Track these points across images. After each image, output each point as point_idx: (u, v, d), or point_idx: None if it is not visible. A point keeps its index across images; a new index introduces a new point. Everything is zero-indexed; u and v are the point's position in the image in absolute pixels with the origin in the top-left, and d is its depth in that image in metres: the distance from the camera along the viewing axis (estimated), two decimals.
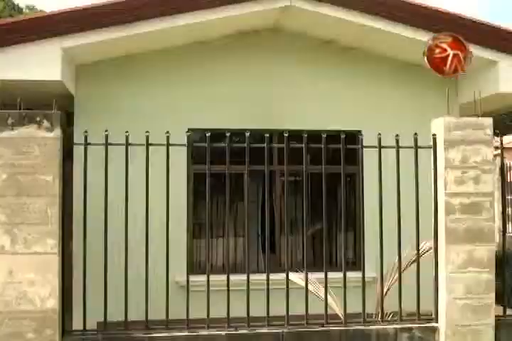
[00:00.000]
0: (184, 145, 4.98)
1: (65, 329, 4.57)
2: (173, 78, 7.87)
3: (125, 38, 6.87)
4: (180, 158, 7.23)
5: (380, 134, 4.94)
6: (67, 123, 4.83)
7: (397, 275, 5.10)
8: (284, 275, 4.93)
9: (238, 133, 6.81)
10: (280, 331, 4.77)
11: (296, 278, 5.40)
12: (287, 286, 4.84)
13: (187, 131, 5.02)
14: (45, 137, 4.44)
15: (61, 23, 6.65)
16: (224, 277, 4.78)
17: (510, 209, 12.22)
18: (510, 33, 7.67)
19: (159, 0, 6.86)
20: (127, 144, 4.67)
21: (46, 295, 4.38)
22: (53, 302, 4.39)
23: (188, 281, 4.83)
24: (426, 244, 5.25)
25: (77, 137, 4.94)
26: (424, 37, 7.37)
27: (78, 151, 4.80)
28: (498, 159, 5.49)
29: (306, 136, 4.87)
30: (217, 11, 7.03)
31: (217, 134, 5.47)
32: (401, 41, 7.62)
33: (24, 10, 30.09)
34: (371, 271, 5.73)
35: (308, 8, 7.22)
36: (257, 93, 7.97)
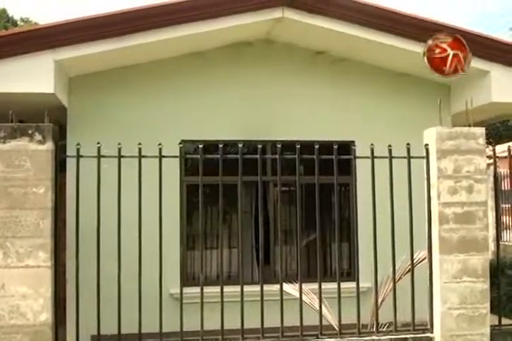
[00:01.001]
0: (176, 156, 4.97)
1: None
2: (167, 90, 7.89)
3: (118, 49, 6.89)
4: (173, 169, 7.24)
5: (372, 145, 4.94)
6: (60, 135, 4.81)
7: (391, 285, 5.08)
8: (278, 286, 4.91)
9: (232, 144, 6.84)
10: None
11: (291, 289, 5.38)
12: (281, 297, 4.82)
13: (179, 143, 5.02)
14: (37, 150, 4.43)
15: (54, 36, 6.66)
16: (218, 289, 4.76)
17: (504, 217, 12.23)
18: (502, 43, 7.74)
19: (152, 12, 6.87)
20: (120, 156, 4.66)
21: (39, 309, 4.35)
22: (46, 316, 4.35)
23: (181, 293, 4.81)
24: (420, 254, 5.24)
25: (70, 149, 4.93)
26: (416, 47, 7.43)
27: (71, 163, 4.79)
28: (492, 168, 5.50)
29: (299, 146, 4.87)
30: (211, 23, 7.06)
31: (212, 145, 5.48)
32: (393, 52, 7.66)
33: (19, 22, 30.13)
34: (366, 282, 5.72)
35: (299, 19, 7.27)
36: (250, 104, 8.00)
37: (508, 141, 18.16)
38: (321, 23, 7.29)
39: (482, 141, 5.00)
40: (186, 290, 4.96)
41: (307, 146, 5.19)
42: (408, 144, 4.99)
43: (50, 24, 6.84)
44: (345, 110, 8.26)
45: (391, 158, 4.98)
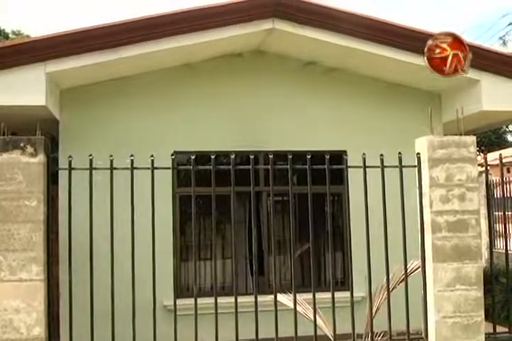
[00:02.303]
0: (169, 168, 4.97)
1: None
2: (158, 101, 7.90)
3: (109, 62, 6.91)
4: (166, 180, 7.24)
5: (364, 154, 4.95)
6: (52, 147, 4.81)
7: (385, 294, 5.07)
8: (272, 296, 4.90)
9: (224, 155, 6.84)
10: None
11: (285, 299, 5.36)
12: (276, 308, 4.80)
13: (172, 154, 5.02)
14: (29, 162, 4.42)
15: (45, 48, 6.67)
16: (212, 300, 4.74)
17: (497, 225, 12.26)
18: (491, 52, 7.80)
19: (141, 25, 6.89)
20: (112, 168, 4.65)
21: (32, 323, 4.32)
22: (39, 330, 4.32)
23: (175, 305, 4.78)
24: (414, 263, 5.23)
25: (62, 161, 4.92)
26: (407, 58, 7.49)
27: (63, 176, 4.78)
28: (484, 176, 5.53)
29: (291, 157, 4.88)
30: (201, 35, 7.08)
31: (205, 156, 5.48)
32: (384, 62, 7.70)
33: (10, 35, 30.15)
34: (360, 291, 5.71)
35: (290, 30, 7.30)
36: (241, 115, 8.02)
37: (499, 149, 18.27)
38: (311, 34, 7.32)
39: (473, 149, 5.01)
40: (180, 301, 4.95)
41: (300, 156, 5.19)
42: (400, 153, 5.00)
43: (41, 37, 6.86)
44: (337, 120, 8.29)
45: (383, 167, 4.99)
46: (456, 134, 5.08)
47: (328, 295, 4.93)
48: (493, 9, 47.63)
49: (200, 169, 5.02)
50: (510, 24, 15.41)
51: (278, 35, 7.49)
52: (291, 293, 5.13)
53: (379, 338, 5.05)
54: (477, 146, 5.12)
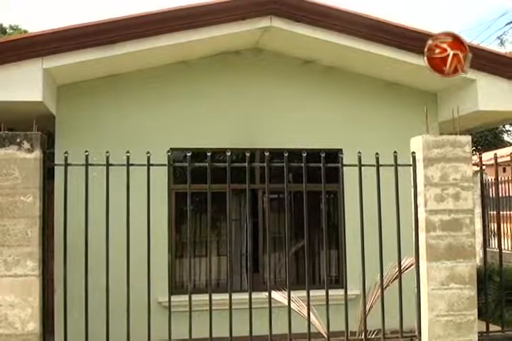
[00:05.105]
0: (165, 165, 4.97)
1: None
2: (155, 98, 7.90)
3: (106, 58, 6.91)
4: (162, 177, 7.23)
5: (360, 153, 4.96)
6: (48, 143, 4.81)
7: (379, 292, 5.09)
8: (267, 293, 4.91)
9: (221, 152, 6.85)
10: None
11: (279, 296, 5.38)
12: (270, 305, 4.82)
13: (168, 151, 5.02)
14: (25, 158, 4.42)
15: (42, 44, 6.67)
16: (207, 296, 4.74)
17: (492, 224, 12.29)
18: (488, 52, 7.82)
19: (139, 21, 6.89)
20: (108, 164, 4.65)
21: (27, 319, 4.32)
22: (34, 326, 4.32)
23: (169, 301, 4.79)
24: (407, 260, 5.26)
25: (58, 157, 4.92)
26: (404, 57, 7.51)
27: (59, 171, 4.78)
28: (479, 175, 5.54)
29: (286, 154, 4.88)
30: (198, 32, 7.09)
31: (201, 153, 5.49)
32: (381, 61, 7.71)
33: (8, 30, 30.08)
34: (354, 289, 5.74)
35: (287, 28, 7.31)
36: (238, 112, 8.03)
37: (495, 149, 18.31)
38: (309, 33, 7.34)
39: (468, 148, 5.02)
40: (175, 298, 4.95)
41: (296, 154, 5.20)
42: (395, 152, 5.02)
43: (39, 32, 6.86)
44: (333, 118, 8.30)
45: (378, 165, 5.00)
46: (452, 134, 5.09)
47: (322, 292, 4.94)
48: (491, 9, 47.66)
49: (196, 166, 5.02)
50: (508, 24, 15.44)
51: (275, 33, 7.50)
52: (285, 290, 5.14)
53: (372, 336, 5.07)
54: (473, 146, 5.16)
